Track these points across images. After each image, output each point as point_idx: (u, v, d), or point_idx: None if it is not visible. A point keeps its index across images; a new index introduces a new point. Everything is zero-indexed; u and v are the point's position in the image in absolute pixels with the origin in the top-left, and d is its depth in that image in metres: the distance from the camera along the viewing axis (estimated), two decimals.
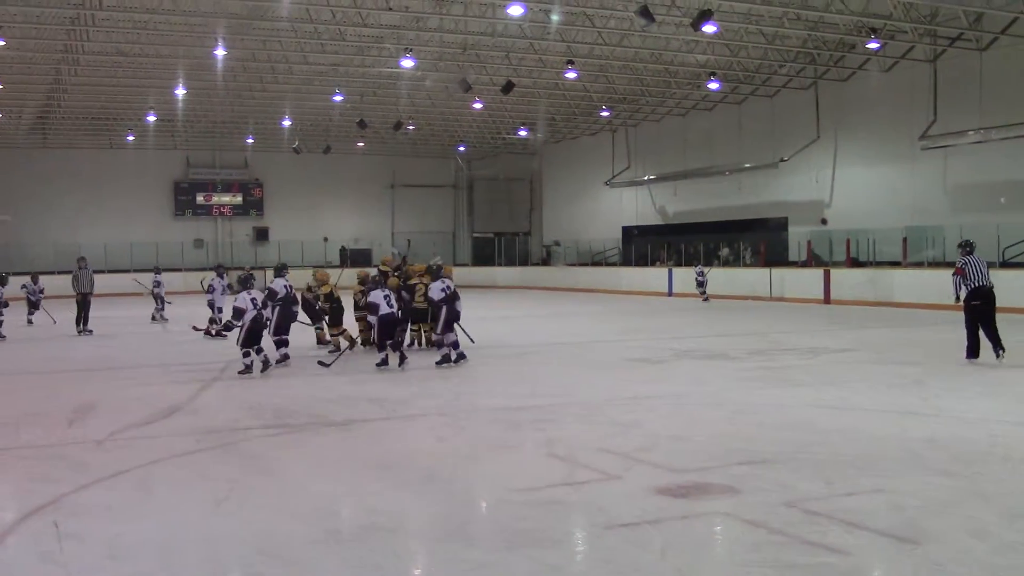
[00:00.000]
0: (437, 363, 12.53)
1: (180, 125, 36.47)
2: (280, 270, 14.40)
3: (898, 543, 5.02)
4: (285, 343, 13.16)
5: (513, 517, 5.57)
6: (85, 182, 38.68)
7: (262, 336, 12.25)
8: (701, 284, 27.45)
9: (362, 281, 14.42)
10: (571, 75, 27.44)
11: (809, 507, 5.63)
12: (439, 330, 12.64)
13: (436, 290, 12.66)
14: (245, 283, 12.23)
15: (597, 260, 38.37)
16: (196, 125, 37.17)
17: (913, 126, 25.26)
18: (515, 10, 20.84)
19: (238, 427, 8.58)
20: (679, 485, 6.17)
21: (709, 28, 21.61)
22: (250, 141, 39.26)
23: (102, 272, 31.11)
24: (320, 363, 12.81)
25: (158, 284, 22.02)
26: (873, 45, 23.96)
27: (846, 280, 25.23)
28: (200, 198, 41.63)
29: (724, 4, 21.44)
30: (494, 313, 22.55)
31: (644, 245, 35.30)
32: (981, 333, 11.94)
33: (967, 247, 12.10)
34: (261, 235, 42.28)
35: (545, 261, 41.86)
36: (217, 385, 11.38)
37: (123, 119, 35.02)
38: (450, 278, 13.37)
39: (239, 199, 42.26)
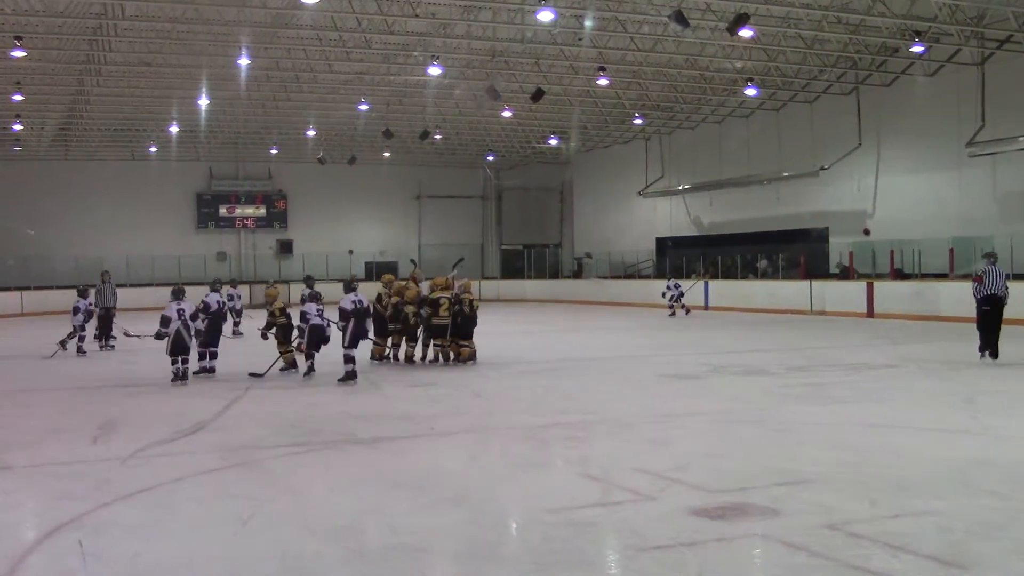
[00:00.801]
0: (340, 380, 12.63)
1: (203, 136, 36.96)
2: (215, 284, 15.93)
3: (945, 568, 4.96)
4: (213, 355, 13.97)
5: (544, 538, 5.56)
6: (107, 194, 39.23)
7: (189, 347, 13.02)
8: (678, 298, 27.56)
9: (397, 293, 14.81)
10: (603, 82, 27.47)
11: (852, 529, 5.58)
12: (345, 343, 12.75)
13: (347, 302, 12.89)
14: (315, 298, 14.26)
15: (630, 272, 38.29)
16: (219, 136, 37.65)
17: (960, 132, 25.02)
18: (545, 16, 20.89)
19: (263, 445, 8.64)
20: (716, 506, 6.13)
21: (746, 32, 21.54)
22: (274, 152, 39.80)
23: (124, 286, 31.52)
24: (252, 374, 13.58)
25: (232, 298, 22.08)
26: (917, 48, 23.77)
27: (890, 293, 24.99)
28: (223, 210, 42.15)
29: (761, 7, 21.38)
30: (523, 328, 22.61)
31: (679, 257, 35.20)
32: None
33: (991, 257, 14.01)
34: (285, 248, 42.69)
35: (576, 274, 41.86)
36: (242, 402, 11.49)
37: (146, 130, 35.53)
38: (469, 292, 14.32)
39: (262, 211, 42.73)
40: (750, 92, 28.43)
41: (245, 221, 42.41)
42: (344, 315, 12.92)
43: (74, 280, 33.29)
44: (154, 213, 40.14)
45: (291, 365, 13.97)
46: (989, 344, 13.71)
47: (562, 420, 9.71)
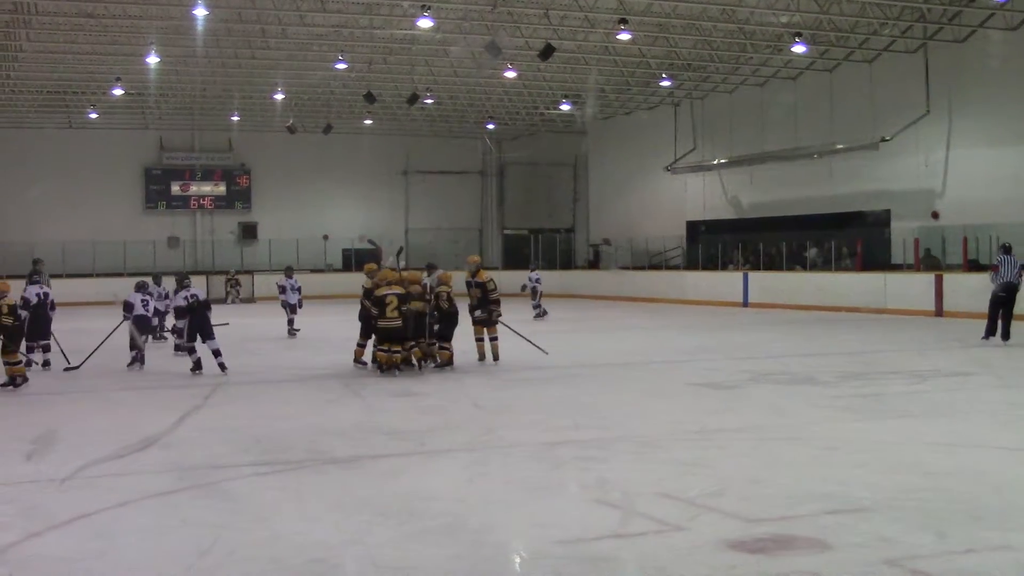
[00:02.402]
0: (191, 369, 14.91)
1: (152, 100, 36.94)
2: (32, 276, 17.63)
3: None
4: (46, 348, 15.72)
5: (553, 574, 5.56)
6: (39, 169, 39.28)
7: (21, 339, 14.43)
8: (535, 293, 27.09)
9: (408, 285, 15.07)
10: (624, 36, 27.45)
11: (916, 566, 5.59)
12: (184, 339, 15.33)
13: (179, 299, 15.26)
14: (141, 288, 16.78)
15: (656, 263, 38.35)
16: (171, 100, 37.65)
17: None
18: None
19: (223, 464, 8.68)
20: (755, 538, 6.14)
21: None
22: (235, 119, 39.77)
23: (60, 276, 31.60)
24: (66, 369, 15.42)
25: (284, 290, 22.02)
26: None
27: (963, 287, 24.97)
28: (176, 188, 42.29)
29: None
30: (529, 327, 22.35)
31: (713, 244, 35.26)
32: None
33: (1006, 249, 18.15)
34: (248, 232, 42.87)
35: (592, 264, 41.93)
36: (201, 413, 11.54)
37: (85, 93, 35.60)
38: (447, 285, 15.05)
39: (222, 189, 42.89)
40: (798, 49, 28.38)
41: (202, 200, 42.62)
42: (179, 312, 15.41)
43: None
44: (95, 191, 40.31)
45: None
46: (993, 331, 17.67)
47: (575, 436, 9.72)
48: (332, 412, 11.58)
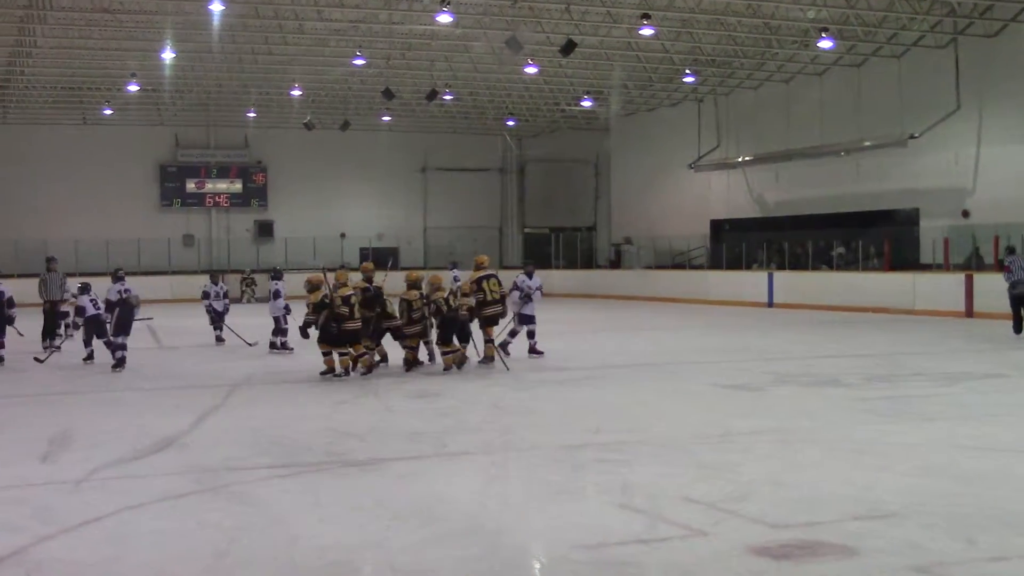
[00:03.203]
0: (112, 367, 15.57)
1: (168, 96, 37.10)
2: (117, 273, 17.87)
3: None
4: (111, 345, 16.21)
5: None
6: (53, 166, 39.52)
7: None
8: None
9: (413, 285, 15.17)
10: (647, 32, 27.42)
11: (945, 573, 5.59)
12: (111, 333, 16.04)
13: (112, 292, 16.43)
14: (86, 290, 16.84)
15: (679, 262, 38.23)
16: (186, 96, 37.78)
17: None
18: None
19: (241, 466, 8.74)
20: (780, 543, 6.16)
21: None
22: (251, 116, 39.91)
23: (73, 275, 31.67)
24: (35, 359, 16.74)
25: (207, 296, 20.73)
26: None
27: (994, 288, 24.75)
28: (191, 185, 42.42)
29: None
30: (550, 327, 22.13)
31: (738, 243, 35.15)
32: None
33: (1011, 250, 21.25)
34: (264, 230, 42.98)
35: (614, 263, 41.85)
36: (219, 414, 11.63)
37: (99, 89, 35.75)
38: (441, 289, 15.12)
39: (238, 186, 42.99)
40: (825, 45, 28.25)
41: (217, 198, 42.75)
42: (109, 305, 16.26)
43: (12, 268, 33.69)
44: (109, 189, 40.46)
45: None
46: (1019, 327, 19.29)
47: (597, 439, 9.74)
48: (350, 413, 11.66)
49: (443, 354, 15.13)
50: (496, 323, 15.84)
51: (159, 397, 13.18)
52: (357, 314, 14.42)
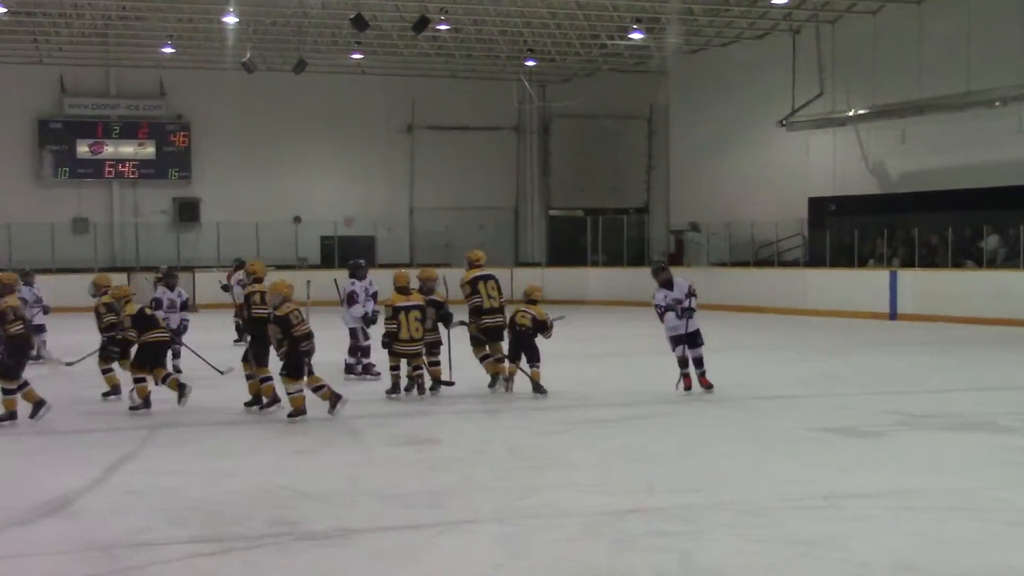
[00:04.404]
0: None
1: (48, 22, 32.40)
2: (166, 277, 16.85)
3: None
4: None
5: None
6: None
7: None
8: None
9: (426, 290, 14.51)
10: None
11: None
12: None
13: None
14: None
15: (765, 256, 34.51)
16: (76, 24, 33.07)
17: None
18: None
19: (149, 540, 7.69)
20: None
21: None
22: (168, 51, 34.64)
23: None
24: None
25: (25, 303, 17.75)
26: None
27: None
28: (83, 149, 36.91)
29: None
30: (586, 347, 21.01)
31: (848, 230, 31.40)
32: None
33: None
34: (187, 213, 37.27)
35: (674, 257, 37.21)
36: (127, 467, 10.22)
37: None
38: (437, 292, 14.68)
39: (150, 151, 37.37)
40: None
41: (121, 167, 37.34)
42: None
43: None
44: None
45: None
46: None
47: (649, 502, 8.68)
48: (309, 466, 10.29)
49: (431, 366, 14.25)
50: (501, 337, 14.80)
51: (48, 443, 11.65)
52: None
